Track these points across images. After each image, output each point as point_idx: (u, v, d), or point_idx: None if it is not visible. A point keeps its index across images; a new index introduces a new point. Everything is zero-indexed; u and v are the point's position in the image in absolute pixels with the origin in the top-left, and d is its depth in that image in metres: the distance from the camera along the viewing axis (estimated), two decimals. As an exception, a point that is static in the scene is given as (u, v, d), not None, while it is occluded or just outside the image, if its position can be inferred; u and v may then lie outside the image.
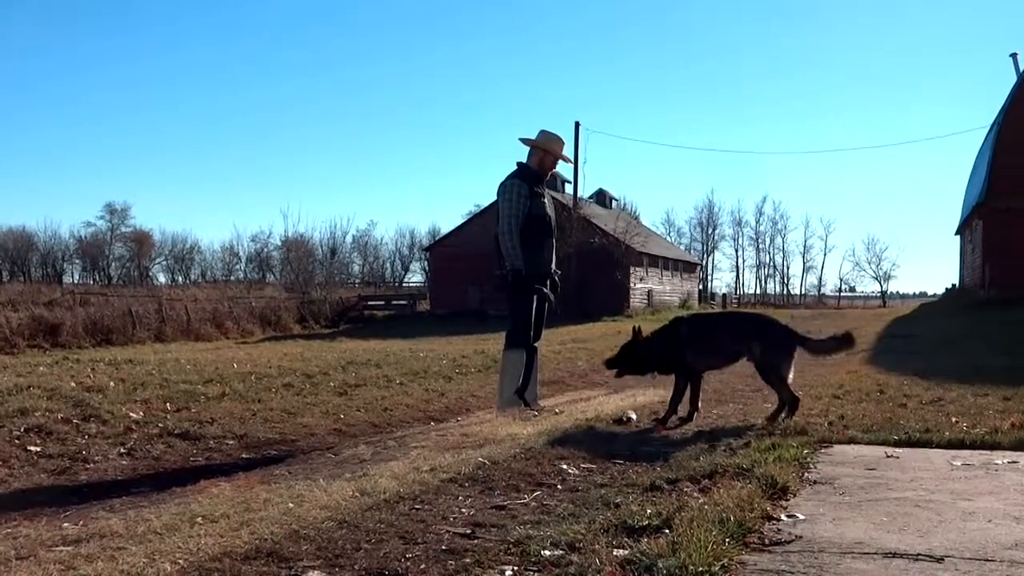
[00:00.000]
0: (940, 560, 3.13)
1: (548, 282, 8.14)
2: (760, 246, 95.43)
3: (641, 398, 9.06)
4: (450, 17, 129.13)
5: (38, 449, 6.30)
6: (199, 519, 4.02)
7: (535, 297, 7.96)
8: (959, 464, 5.05)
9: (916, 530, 3.55)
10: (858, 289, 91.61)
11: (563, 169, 45.53)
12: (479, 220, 42.37)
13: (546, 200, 8.13)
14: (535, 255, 7.91)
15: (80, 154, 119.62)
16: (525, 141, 8.16)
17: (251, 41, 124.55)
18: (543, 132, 8.18)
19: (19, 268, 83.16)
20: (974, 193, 34.69)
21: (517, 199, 7.80)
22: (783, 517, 3.75)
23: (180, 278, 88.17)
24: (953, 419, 6.81)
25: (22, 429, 6.77)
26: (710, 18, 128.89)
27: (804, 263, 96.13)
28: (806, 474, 4.74)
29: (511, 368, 8.01)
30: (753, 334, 7.23)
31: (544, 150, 8.06)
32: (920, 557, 3.17)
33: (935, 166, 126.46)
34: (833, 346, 7.40)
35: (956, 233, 44.83)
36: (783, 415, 6.85)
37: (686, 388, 7.32)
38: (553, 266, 8.23)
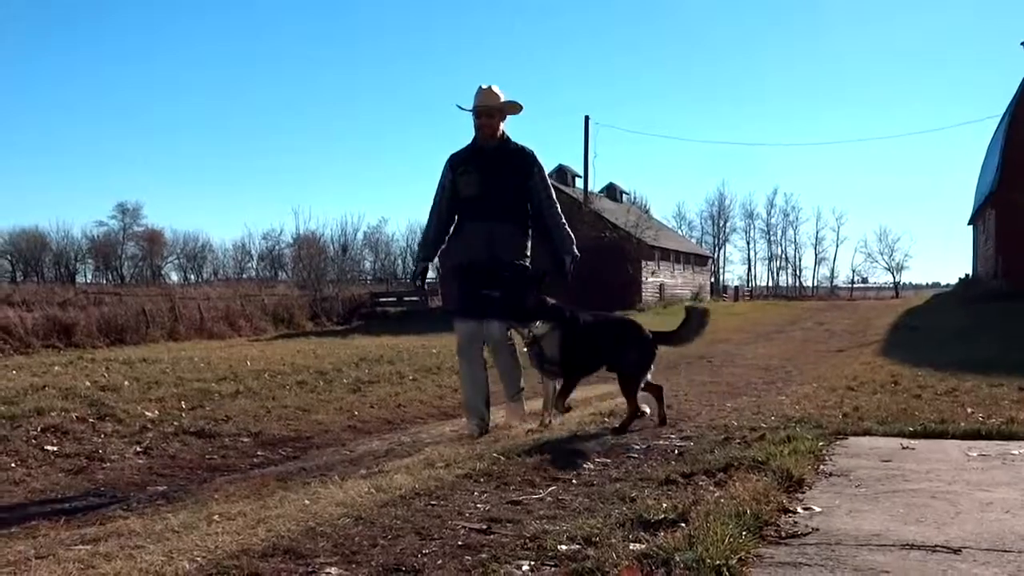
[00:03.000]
0: (958, 551, 3.12)
1: (483, 275, 6.63)
2: (772, 238, 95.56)
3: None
4: (460, 14, 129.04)
5: (55, 448, 6.34)
6: (216, 517, 4.04)
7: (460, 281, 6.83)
8: (975, 455, 5.04)
9: (933, 521, 3.54)
10: (871, 280, 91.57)
11: (574, 163, 45.40)
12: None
13: (491, 171, 6.69)
14: (453, 244, 6.90)
15: (91, 154, 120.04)
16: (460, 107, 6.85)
17: (261, 39, 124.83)
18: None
19: (32, 268, 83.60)
20: (986, 183, 34.56)
21: (439, 188, 6.86)
22: (799, 510, 3.74)
23: (192, 277, 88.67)
24: (968, 410, 6.79)
25: (39, 429, 6.82)
26: (720, 11, 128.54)
27: (816, 255, 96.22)
28: (821, 466, 4.73)
29: (460, 367, 7.01)
30: (626, 341, 6.73)
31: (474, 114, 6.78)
32: (937, 549, 3.16)
33: (947, 156, 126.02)
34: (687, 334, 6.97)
35: (969, 223, 44.67)
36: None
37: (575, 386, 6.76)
38: (490, 253, 6.64)
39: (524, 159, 6.77)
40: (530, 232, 6.84)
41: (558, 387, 6.71)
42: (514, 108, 6.83)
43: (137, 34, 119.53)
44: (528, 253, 6.81)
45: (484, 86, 6.72)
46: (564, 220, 6.83)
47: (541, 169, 6.81)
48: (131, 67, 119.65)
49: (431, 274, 6.74)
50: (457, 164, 6.79)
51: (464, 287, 6.82)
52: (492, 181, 6.67)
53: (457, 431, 6.99)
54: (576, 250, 6.80)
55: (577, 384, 6.76)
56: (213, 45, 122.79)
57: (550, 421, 6.57)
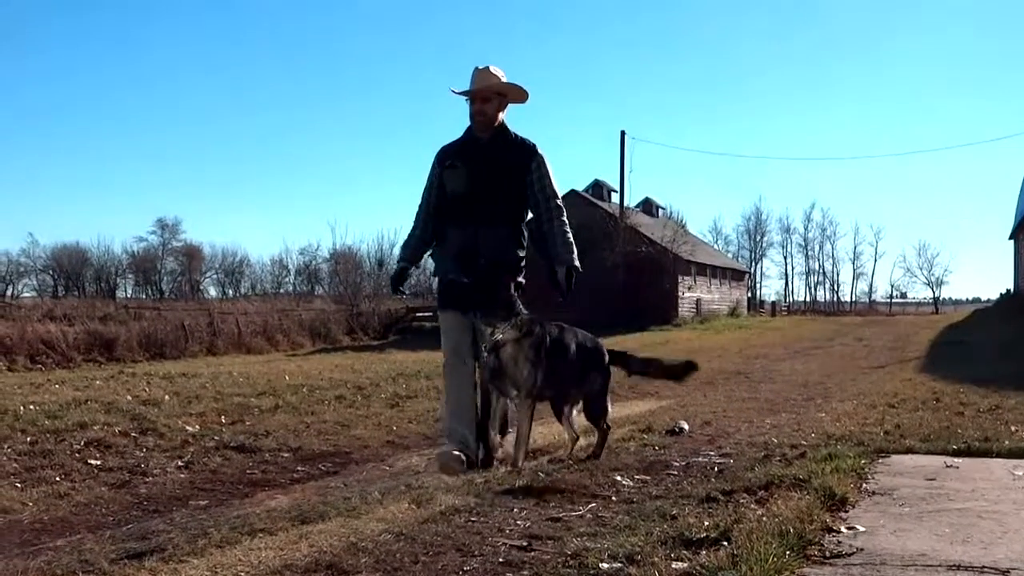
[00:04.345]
0: (1006, 572, 3.08)
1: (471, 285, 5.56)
2: (809, 253, 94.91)
3: (693, 407, 9.02)
4: (496, 30, 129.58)
5: (98, 463, 6.41)
6: (258, 532, 4.07)
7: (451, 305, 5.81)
8: (1021, 474, 4.97)
9: (979, 541, 3.50)
10: (910, 295, 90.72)
11: (610, 178, 45.37)
12: (525, 230, 42.18)
13: (481, 166, 5.74)
14: (439, 251, 5.97)
15: (132, 170, 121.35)
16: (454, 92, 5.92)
17: (298, 56, 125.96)
18: None
19: (74, 283, 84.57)
20: (1028, 197, 34.15)
21: (427, 184, 6.03)
22: (843, 529, 3.71)
23: (230, 292, 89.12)
24: (1012, 428, 6.71)
25: (82, 443, 6.91)
26: (757, 26, 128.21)
27: (854, 269, 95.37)
28: (864, 485, 4.68)
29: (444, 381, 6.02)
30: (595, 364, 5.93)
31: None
32: (985, 569, 3.12)
33: (987, 169, 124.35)
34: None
35: (1010, 237, 44.18)
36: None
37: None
38: (477, 257, 5.62)
39: (522, 152, 5.80)
40: (525, 240, 5.91)
41: (509, 406, 5.88)
42: (517, 93, 5.89)
43: (174, 51, 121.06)
44: (522, 265, 5.86)
45: (480, 67, 5.81)
46: (567, 226, 5.79)
47: (542, 164, 5.80)
48: (170, 84, 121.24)
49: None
50: (445, 157, 5.90)
51: (445, 297, 5.92)
52: (482, 178, 5.72)
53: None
54: (577, 261, 5.72)
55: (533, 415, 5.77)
56: (252, 61, 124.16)
57: (521, 462, 5.56)
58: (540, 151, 5.81)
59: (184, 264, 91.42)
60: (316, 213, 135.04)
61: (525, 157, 5.77)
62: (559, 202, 5.82)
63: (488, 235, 5.65)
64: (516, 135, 5.87)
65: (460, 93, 5.80)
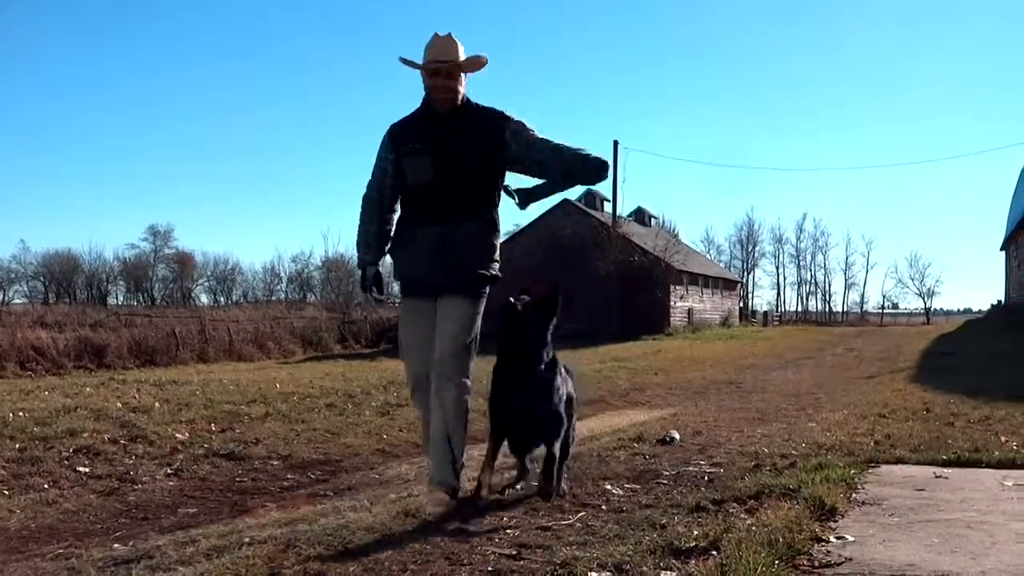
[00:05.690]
0: (994, 583, 3.09)
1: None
2: (801, 263, 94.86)
3: (684, 417, 9.02)
4: (490, 38, 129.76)
5: (87, 470, 6.39)
6: (247, 540, 4.05)
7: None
8: (1010, 484, 4.97)
9: (968, 552, 3.50)
10: (901, 306, 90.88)
11: (602, 187, 45.42)
12: (520, 239, 42.19)
13: (449, 148, 4.80)
14: (402, 252, 5.02)
15: (124, 177, 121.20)
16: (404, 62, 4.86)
17: (292, 66, 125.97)
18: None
19: (65, 290, 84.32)
20: (1019, 208, 34.31)
21: (377, 171, 5.07)
22: (832, 539, 3.71)
23: (222, 299, 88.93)
24: (1002, 438, 6.71)
25: (71, 450, 6.88)
26: (749, 36, 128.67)
27: (846, 280, 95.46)
28: (854, 495, 4.68)
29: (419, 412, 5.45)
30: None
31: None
32: (973, 580, 3.12)
33: (979, 180, 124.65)
34: None
35: (1001, 248, 44.30)
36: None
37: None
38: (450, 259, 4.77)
39: (491, 126, 4.84)
40: (499, 228, 5.05)
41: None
42: (479, 64, 4.91)
43: (168, 59, 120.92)
44: (497, 257, 4.99)
45: (441, 35, 4.83)
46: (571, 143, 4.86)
47: (519, 130, 4.84)
48: (163, 91, 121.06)
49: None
50: (402, 139, 4.92)
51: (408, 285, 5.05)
52: (451, 164, 4.79)
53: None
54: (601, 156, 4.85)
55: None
56: (246, 69, 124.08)
57: (486, 493, 4.73)
58: (511, 116, 4.88)
59: (176, 271, 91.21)
60: (309, 221, 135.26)
61: (496, 131, 4.83)
62: (557, 141, 4.86)
63: (457, 234, 4.80)
64: (479, 106, 4.96)
65: (419, 66, 4.83)
